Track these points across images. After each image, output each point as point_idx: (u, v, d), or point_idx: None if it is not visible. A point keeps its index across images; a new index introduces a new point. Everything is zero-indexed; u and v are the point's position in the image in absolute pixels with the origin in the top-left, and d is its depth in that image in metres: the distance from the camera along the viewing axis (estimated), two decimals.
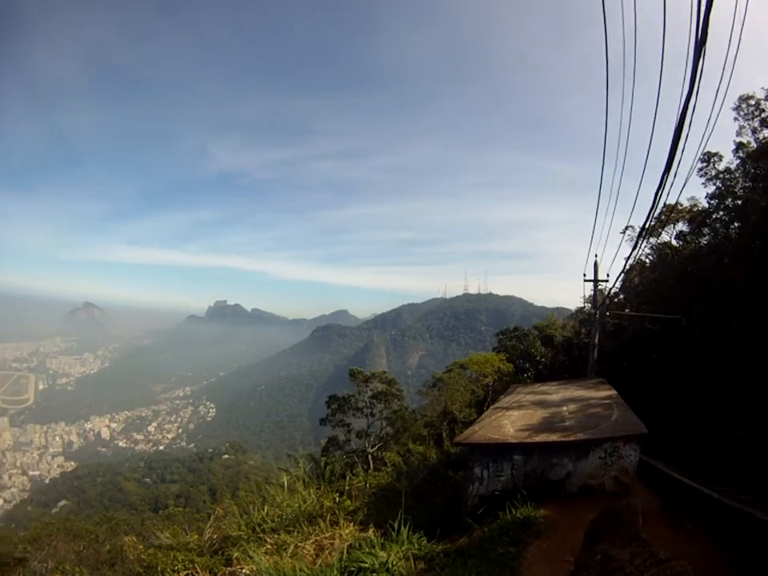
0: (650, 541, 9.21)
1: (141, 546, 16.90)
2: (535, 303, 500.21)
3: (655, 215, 17.34)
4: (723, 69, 12.81)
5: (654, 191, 14.51)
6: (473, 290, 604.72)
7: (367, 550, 11.25)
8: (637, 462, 15.97)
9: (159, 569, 11.34)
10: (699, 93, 10.81)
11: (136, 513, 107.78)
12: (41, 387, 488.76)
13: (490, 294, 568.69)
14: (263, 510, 15.09)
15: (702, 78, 10.46)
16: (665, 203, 15.62)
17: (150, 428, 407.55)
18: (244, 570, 11.37)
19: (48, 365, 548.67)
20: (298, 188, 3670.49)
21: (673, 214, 46.39)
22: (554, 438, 16.40)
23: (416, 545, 11.93)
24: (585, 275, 38.67)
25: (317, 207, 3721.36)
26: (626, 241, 48.46)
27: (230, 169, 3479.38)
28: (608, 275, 38.69)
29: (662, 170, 13.29)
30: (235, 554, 12.07)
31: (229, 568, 11.68)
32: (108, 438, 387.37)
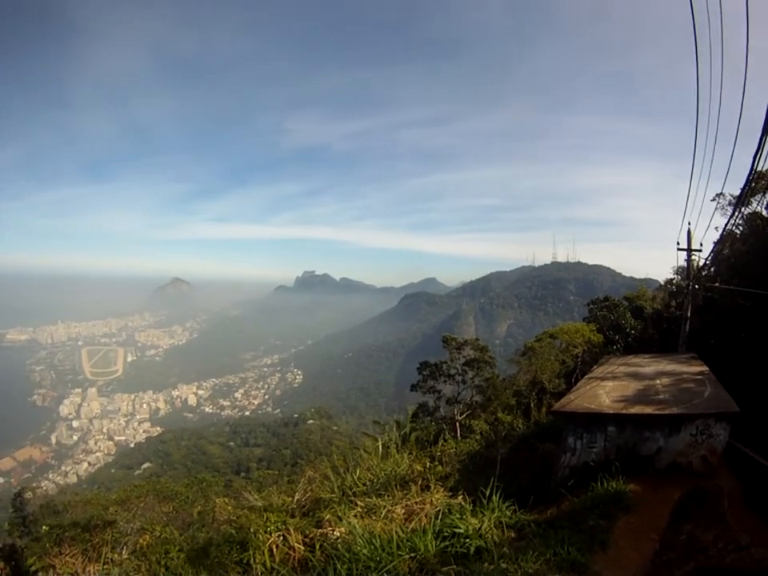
0: (733, 525, 9.06)
1: (229, 508, 17.14)
2: (623, 273, 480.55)
3: (751, 182, 16.49)
4: None
5: (753, 155, 13.88)
6: (561, 258, 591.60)
7: (457, 515, 11.26)
8: (726, 442, 15.68)
9: (252, 529, 11.41)
10: None
11: (218, 475, 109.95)
12: (129, 359, 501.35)
13: (579, 263, 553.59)
14: (355, 473, 15.16)
15: None
16: (757, 170, 14.76)
17: (237, 394, 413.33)
18: (336, 532, 11.42)
19: (137, 338, 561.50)
20: (382, 157, 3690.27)
21: (763, 182, 44.60)
22: (648, 410, 16.18)
23: (506, 513, 11.89)
24: (678, 243, 37.58)
25: (403, 175, 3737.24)
26: (718, 209, 46.93)
27: (310, 142, 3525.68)
28: (701, 244, 37.59)
29: (760, 132, 12.72)
30: (326, 516, 12.12)
31: (320, 530, 11.71)
32: (194, 405, 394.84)
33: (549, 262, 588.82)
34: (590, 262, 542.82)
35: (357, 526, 10.74)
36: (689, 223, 37.28)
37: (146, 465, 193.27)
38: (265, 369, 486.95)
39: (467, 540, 10.26)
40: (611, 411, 16.48)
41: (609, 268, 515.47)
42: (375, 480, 14.65)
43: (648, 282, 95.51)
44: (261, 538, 11.21)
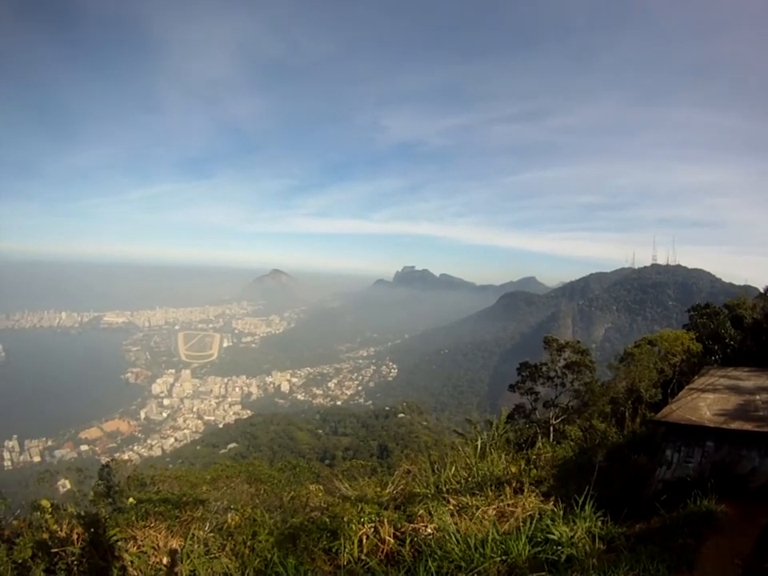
0: None
1: (320, 494, 17.36)
2: (723, 279, 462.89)
3: None
4: None
5: None
6: (661, 261, 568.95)
7: (549, 521, 11.26)
8: None
9: (345, 519, 11.51)
10: None
11: (303, 460, 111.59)
12: (225, 345, 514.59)
13: (679, 266, 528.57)
14: (450, 470, 15.12)
15: None
16: None
17: (330, 384, 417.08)
18: (428, 528, 11.48)
19: (234, 325, 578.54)
20: (480, 153, 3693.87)
21: None
22: (748, 426, 15.67)
23: (597, 523, 11.79)
24: None
25: (501, 172, 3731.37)
26: None
27: (408, 138, 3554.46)
28: None
29: None
30: (420, 512, 12.13)
31: (411, 525, 11.77)
32: (287, 391, 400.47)
33: (648, 264, 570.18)
34: (690, 266, 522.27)
35: (450, 524, 10.92)
36: None
37: (231, 445, 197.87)
38: (360, 361, 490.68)
39: (559, 547, 10.27)
40: (712, 425, 16.05)
41: (708, 272, 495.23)
42: (470, 479, 14.68)
43: (748, 289, 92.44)
44: (353, 528, 11.39)
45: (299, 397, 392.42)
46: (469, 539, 10.15)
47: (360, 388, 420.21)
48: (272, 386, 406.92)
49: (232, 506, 15.37)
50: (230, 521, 12.91)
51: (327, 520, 11.92)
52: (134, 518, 12.39)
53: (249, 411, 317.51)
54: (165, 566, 10.47)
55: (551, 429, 41.93)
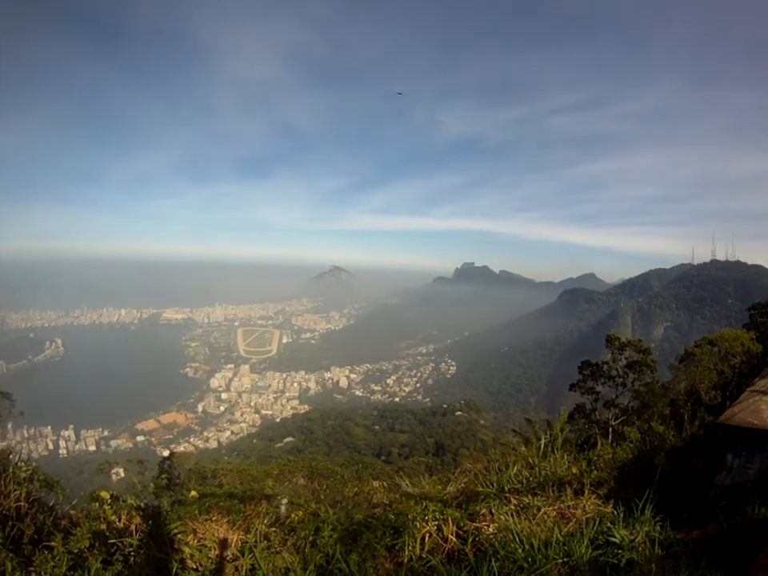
0: None
1: (382, 491, 17.52)
2: None
3: None
4: None
5: None
6: (720, 256, 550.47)
7: (609, 524, 11.08)
8: None
9: (410, 516, 11.51)
10: None
11: (364, 456, 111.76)
12: (284, 341, 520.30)
13: (738, 262, 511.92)
14: (512, 469, 15.05)
15: None
16: None
17: (389, 380, 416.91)
18: (490, 528, 11.29)
19: (293, 322, 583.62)
20: (538, 146, 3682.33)
21: None
22: None
23: (656, 528, 11.56)
24: None
25: (559, 164, 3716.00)
26: None
27: (465, 133, 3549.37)
28: None
29: None
30: (482, 511, 12.09)
31: (474, 524, 11.74)
32: (345, 387, 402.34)
33: (708, 259, 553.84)
34: (750, 261, 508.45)
35: (513, 525, 10.83)
36: None
37: (288, 439, 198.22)
38: (419, 357, 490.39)
39: (619, 551, 10.25)
40: None
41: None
42: (531, 478, 14.68)
43: None
44: (418, 525, 11.45)
45: (357, 393, 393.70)
46: (532, 540, 10.18)
47: (418, 385, 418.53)
48: (330, 381, 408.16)
49: (294, 501, 15.47)
50: (292, 516, 13.00)
51: (392, 517, 11.99)
52: (196, 511, 12.54)
53: (306, 406, 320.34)
54: (223, 558, 10.64)
55: (610, 430, 41.64)
